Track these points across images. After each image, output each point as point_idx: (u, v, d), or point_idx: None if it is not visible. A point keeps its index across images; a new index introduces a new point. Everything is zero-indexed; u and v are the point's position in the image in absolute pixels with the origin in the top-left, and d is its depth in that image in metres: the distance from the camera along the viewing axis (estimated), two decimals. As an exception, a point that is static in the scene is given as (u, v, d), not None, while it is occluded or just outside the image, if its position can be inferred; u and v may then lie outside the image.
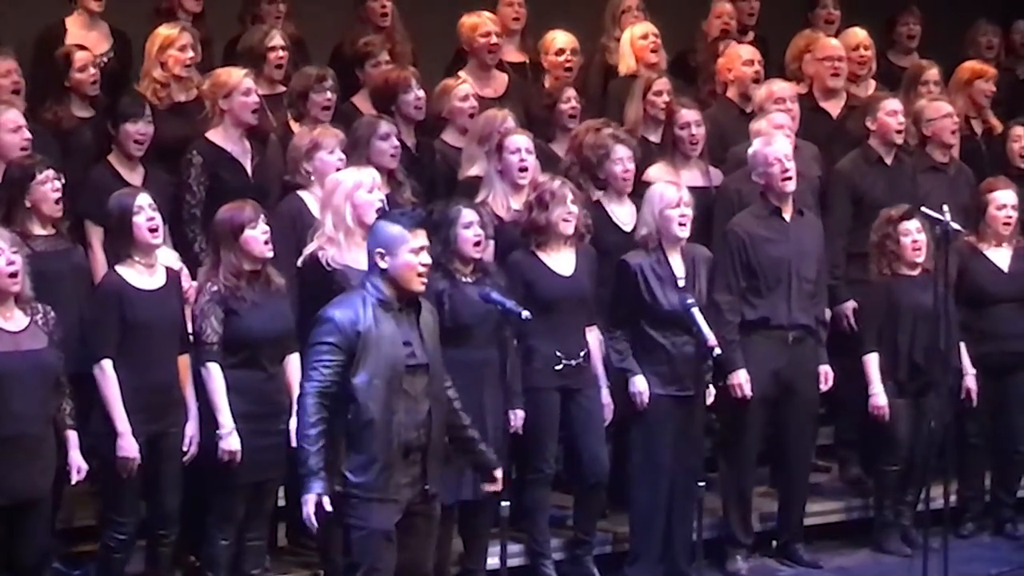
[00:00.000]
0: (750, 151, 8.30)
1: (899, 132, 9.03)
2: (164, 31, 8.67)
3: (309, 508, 5.96)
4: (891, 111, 9.03)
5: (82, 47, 8.69)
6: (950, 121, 9.18)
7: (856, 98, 9.80)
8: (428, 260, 6.19)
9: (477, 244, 7.41)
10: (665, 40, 9.96)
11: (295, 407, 6.87)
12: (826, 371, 8.36)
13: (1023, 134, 9.40)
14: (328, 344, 6.09)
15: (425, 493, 6.27)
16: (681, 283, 7.82)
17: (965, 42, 10.81)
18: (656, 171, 8.66)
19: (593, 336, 7.96)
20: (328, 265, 7.12)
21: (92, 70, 8.51)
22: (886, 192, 8.93)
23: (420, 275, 6.16)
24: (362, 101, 9.02)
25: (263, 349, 6.96)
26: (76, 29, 9.13)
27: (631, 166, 8.30)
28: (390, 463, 6.11)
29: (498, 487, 6.50)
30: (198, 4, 9.38)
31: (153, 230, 6.89)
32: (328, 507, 5.99)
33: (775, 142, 8.21)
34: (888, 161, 9.09)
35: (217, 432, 6.86)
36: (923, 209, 8.27)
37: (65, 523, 7.50)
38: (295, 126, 8.44)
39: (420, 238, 6.16)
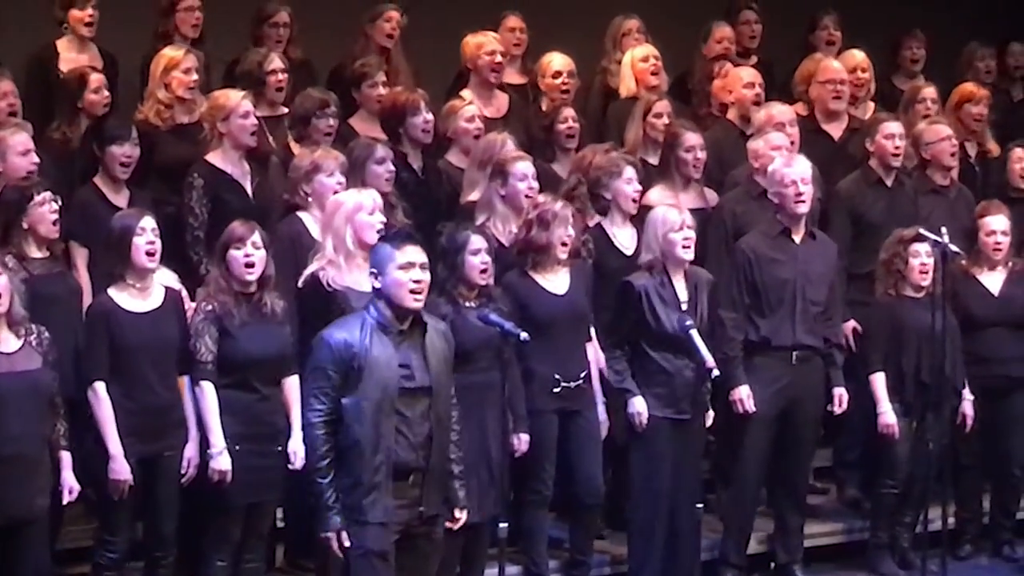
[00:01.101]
0: (770, 168, 8.33)
1: (896, 155, 9.06)
2: (169, 53, 8.73)
3: (334, 544, 6.03)
4: (889, 134, 9.05)
5: (96, 68, 8.76)
6: (948, 144, 9.20)
7: (856, 120, 9.84)
8: (420, 276, 6.18)
9: (483, 271, 7.41)
10: (666, 63, 10.00)
11: (295, 432, 6.93)
12: (840, 394, 8.36)
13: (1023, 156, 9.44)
14: (324, 370, 6.12)
15: (421, 516, 6.28)
16: (684, 306, 7.83)
17: (961, 65, 10.85)
18: (657, 194, 8.68)
19: (592, 353, 7.97)
20: (328, 286, 7.14)
21: (105, 92, 8.58)
22: (885, 213, 8.96)
23: (412, 291, 6.16)
24: (359, 122, 9.06)
25: (255, 370, 6.96)
26: (67, 52, 9.20)
27: (639, 187, 8.34)
28: (376, 486, 6.11)
29: (456, 526, 6.54)
30: (196, 30, 9.43)
31: (151, 254, 6.91)
32: (347, 542, 6.04)
33: (795, 163, 8.24)
34: (888, 183, 9.11)
35: (208, 452, 6.88)
36: (921, 231, 8.30)
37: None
38: (295, 147, 8.47)
39: (408, 254, 6.17)
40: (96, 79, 8.58)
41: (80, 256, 7.78)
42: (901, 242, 8.45)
